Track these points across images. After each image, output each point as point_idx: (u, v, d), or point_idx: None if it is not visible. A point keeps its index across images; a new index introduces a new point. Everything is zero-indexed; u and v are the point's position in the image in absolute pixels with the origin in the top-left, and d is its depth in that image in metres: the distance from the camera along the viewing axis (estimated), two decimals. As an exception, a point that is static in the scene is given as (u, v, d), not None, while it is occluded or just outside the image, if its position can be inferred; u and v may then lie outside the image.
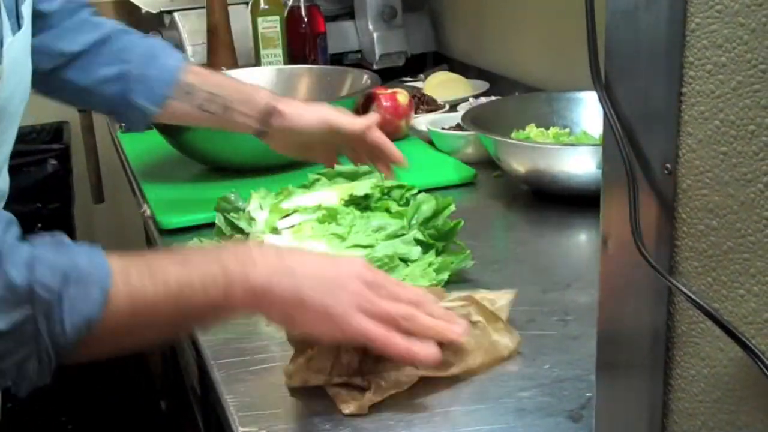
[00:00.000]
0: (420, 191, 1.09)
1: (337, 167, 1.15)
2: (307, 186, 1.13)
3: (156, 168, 1.48)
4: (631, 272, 0.56)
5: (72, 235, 2.57)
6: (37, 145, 2.53)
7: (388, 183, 1.10)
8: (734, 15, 0.45)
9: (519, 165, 1.24)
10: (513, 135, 1.32)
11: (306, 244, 1.02)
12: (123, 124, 1.23)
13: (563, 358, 0.84)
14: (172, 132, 1.40)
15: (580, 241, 1.17)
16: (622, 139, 0.54)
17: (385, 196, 1.09)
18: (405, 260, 1.02)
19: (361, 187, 1.09)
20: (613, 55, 0.54)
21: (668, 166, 0.51)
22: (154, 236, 1.23)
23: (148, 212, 1.28)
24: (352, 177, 1.14)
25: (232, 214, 1.11)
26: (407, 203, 1.07)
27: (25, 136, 2.62)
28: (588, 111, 1.37)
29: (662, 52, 0.50)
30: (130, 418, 2.43)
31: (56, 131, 2.61)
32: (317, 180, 1.14)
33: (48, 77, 1.10)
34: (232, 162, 1.38)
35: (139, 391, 2.58)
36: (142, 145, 1.57)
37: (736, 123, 0.47)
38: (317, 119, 1.15)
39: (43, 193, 2.45)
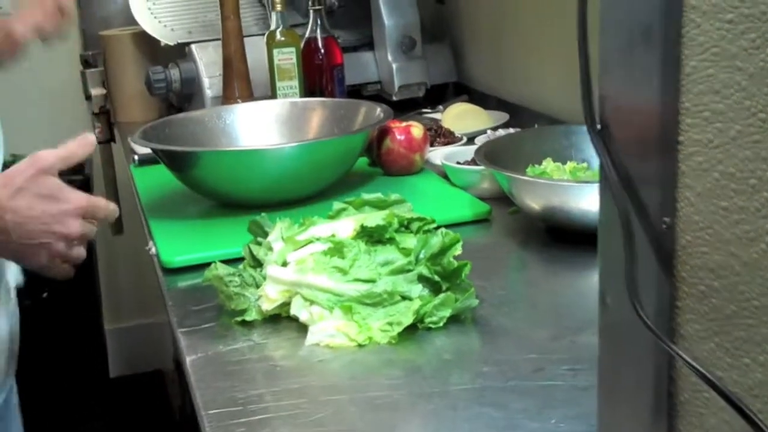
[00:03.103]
0: (440, 226, 1.05)
1: (364, 195, 1.12)
2: (332, 216, 1.10)
3: (165, 203, 1.45)
4: (630, 332, 0.52)
5: (93, 267, 2.56)
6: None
7: (408, 215, 1.06)
8: (732, 59, 0.41)
9: (534, 202, 1.20)
10: (528, 170, 1.27)
11: (308, 277, 0.98)
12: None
13: (571, 412, 0.80)
14: (179, 167, 1.38)
15: (596, 282, 1.12)
16: (618, 189, 0.49)
17: (403, 228, 1.06)
18: (406, 298, 0.98)
19: (374, 218, 1.05)
20: (606, 97, 0.50)
21: (666, 220, 0.47)
22: (158, 275, 1.20)
23: (153, 250, 1.25)
24: (381, 206, 1.10)
25: (258, 239, 1.08)
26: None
27: (48, 167, 2.62)
28: (607, 145, 1.32)
29: (658, 96, 0.46)
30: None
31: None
32: (343, 210, 1.11)
33: None
34: (242, 198, 1.35)
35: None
36: (154, 179, 1.54)
37: (736, 176, 0.43)
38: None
39: (65, 224, 2.45)
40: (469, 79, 2.10)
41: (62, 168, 1.04)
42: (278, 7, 1.77)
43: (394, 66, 1.97)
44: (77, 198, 1.06)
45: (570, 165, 1.30)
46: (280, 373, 0.91)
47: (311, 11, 1.86)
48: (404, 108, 1.93)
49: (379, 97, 2.01)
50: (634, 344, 0.53)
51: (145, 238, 1.30)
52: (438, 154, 1.51)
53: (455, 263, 0.99)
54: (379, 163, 1.50)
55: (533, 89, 1.83)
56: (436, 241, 1.01)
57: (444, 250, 1.00)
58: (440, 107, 1.90)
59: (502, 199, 1.34)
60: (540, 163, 1.30)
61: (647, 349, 0.51)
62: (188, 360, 0.94)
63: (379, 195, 1.11)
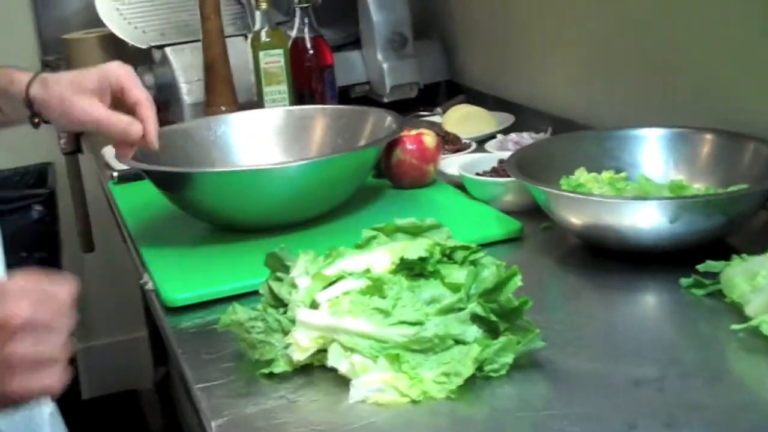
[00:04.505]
0: (486, 254, 0.93)
1: (397, 221, 0.98)
2: (361, 245, 0.97)
3: (155, 227, 1.31)
4: None
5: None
6: (21, 190, 2.37)
7: (450, 243, 0.94)
8: None
9: (576, 218, 1.08)
10: (563, 182, 1.15)
11: (344, 320, 0.85)
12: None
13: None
14: (172, 188, 1.24)
15: (659, 309, 1.00)
16: None
17: (445, 259, 0.93)
18: (460, 342, 0.86)
19: (415, 249, 0.92)
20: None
21: None
22: (159, 315, 1.06)
23: (151, 285, 1.11)
24: (414, 232, 0.97)
25: (278, 274, 0.94)
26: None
27: (6, 179, 2.45)
28: (646, 151, 1.21)
29: None
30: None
31: (40, 174, 2.44)
32: (373, 237, 0.97)
33: None
34: (244, 222, 1.22)
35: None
36: (137, 198, 1.40)
37: None
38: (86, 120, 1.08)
39: (29, 241, 2.28)
40: (462, 77, 1.97)
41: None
42: (263, 6, 1.63)
43: (384, 65, 1.84)
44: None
45: (606, 175, 1.18)
46: (324, 441, 0.77)
47: (297, 9, 1.72)
48: (397, 111, 1.79)
49: (369, 99, 1.88)
50: None
51: (122, 255, 1.15)
52: (451, 164, 1.38)
53: (515, 300, 0.86)
54: (388, 175, 1.37)
55: (537, 86, 1.71)
56: (490, 274, 0.88)
57: (500, 284, 0.87)
58: (438, 109, 1.77)
59: (529, 212, 1.22)
60: (572, 173, 1.18)
61: None
62: (214, 426, 0.81)
63: (413, 220, 0.98)
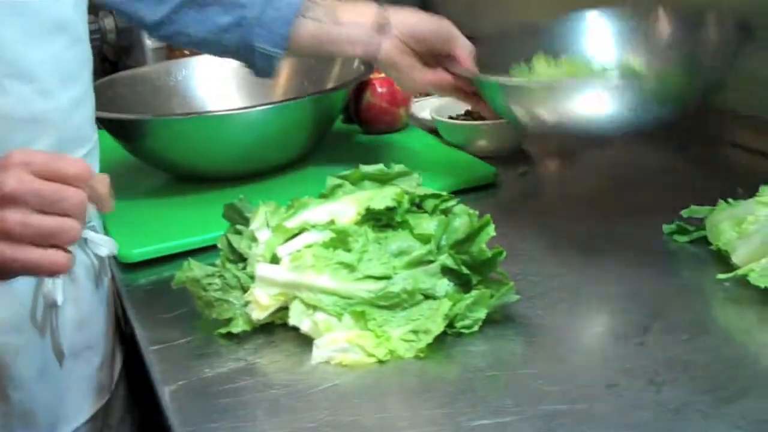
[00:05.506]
0: (458, 202, 0.87)
1: (363, 167, 0.92)
2: (326, 195, 0.91)
3: (111, 177, 1.24)
4: None
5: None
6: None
7: (420, 191, 0.88)
8: None
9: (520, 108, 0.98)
10: (512, 71, 1.06)
11: (307, 276, 0.80)
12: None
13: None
14: (128, 137, 1.17)
15: (641, 258, 0.94)
16: None
17: (414, 208, 0.87)
18: (429, 296, 0.81)
19: (382, 198, 0.86)
20: None
21: None
22: (113, 272, 1.00)
23: (92, 237, 1.04)
24: (382, 180, 0.91)
25: (237, 227, 0.88)
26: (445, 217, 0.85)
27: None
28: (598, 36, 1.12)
29: None
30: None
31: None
32: (338, 186, 0.91)
33: (161, 27, 1.06)
34: (205, 171, 1.16)
35: None
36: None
37: None
38: (435, 27, 1.05)
39: None
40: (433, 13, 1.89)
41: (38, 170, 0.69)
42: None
43: None
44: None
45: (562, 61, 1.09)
46: (285, 406, 0.72)
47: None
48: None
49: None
50: None
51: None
52: (423, 107, 1.32)
53: (488, 252, 0.81)
54: (358, 120, 1.30)
55: (512, 21, 1.64)
56: (462, 223, 0.83)
57: (472, 235, 0.82)
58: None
59: (504, 158, 1.17)
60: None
61: None
62: (167, 392, 0.75)
63: (380, 167, 0.92)
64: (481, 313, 0.79)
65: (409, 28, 1.04)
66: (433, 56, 1.06)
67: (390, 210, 0.85)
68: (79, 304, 0.92)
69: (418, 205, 0.88)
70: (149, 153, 1.17)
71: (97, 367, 0.95)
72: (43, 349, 0.88)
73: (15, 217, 0.67)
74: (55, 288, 0.83)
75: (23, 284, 0.83)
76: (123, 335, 1.02)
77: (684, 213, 0.93)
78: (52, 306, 0.86)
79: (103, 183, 0.72)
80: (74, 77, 0.88)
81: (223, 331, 0.82)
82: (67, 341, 0.89)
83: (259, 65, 1.06)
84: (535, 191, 1.10)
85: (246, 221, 0.90)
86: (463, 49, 1.05)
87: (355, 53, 1.07)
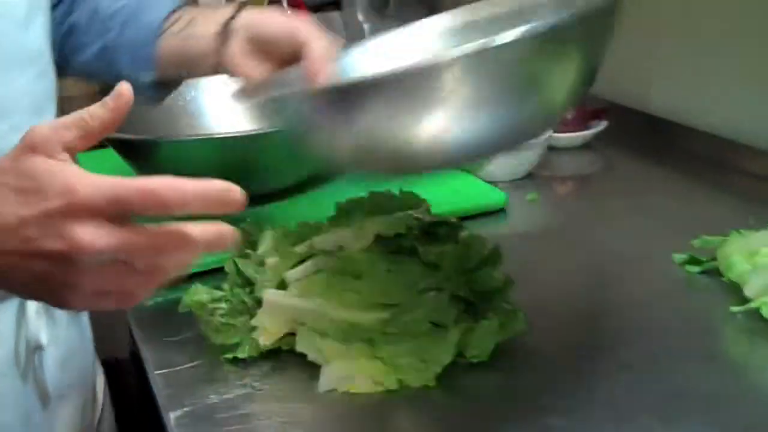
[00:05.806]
0: (468, 229, 0.86)
1: (373, 193, 0.90)
2: (334, 220, 0.90)
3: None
4: None
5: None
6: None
7: (430, 218, 0.87)
8: None
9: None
10: None
11: (314, 302, 0.79)
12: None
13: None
14: (136, 156, 1.16)
15: (651, 287, 0.94)
16: None
17: (424, 235, 0.87)
18: (439, 325, 0.80)
19: (392, 225, 0.85)
20: None
21: None
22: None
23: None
24: (391, 205, 0.90)
25: (245, 251, 0.88)
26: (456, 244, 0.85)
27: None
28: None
29: None
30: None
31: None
32: (347, 211, 0.90)
33: (61, 56, 0.94)
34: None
35: None
36: (101, 168, 1.29)
37: None
38: (285, 29, 0.88)
39: None
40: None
41: (73, 145, 0.60)
42: (237, -37, 1.55)
43: (365, 27, 1.77)
44: (67, 187, 0.56)
45: None
46: (291, 436, 0.71)
47: (273, -33, 1.63)
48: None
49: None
50: None
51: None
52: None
53: (498, 281, 0.80)
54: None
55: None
56: (471, 252, 0.82)
57: (482, 263, 0.81)
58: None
59: (514, 183, 1.17)
60: None
61: None
62: (172, 418, 0.75)
63: (389, 192, 0.91)
64: (491, 343, 0.78)
65: (255, 30, 0.90)
66: (287, 60, 0.90)
67: (399, 236, 0.85)
68: (60, 342, 0.87)
69: (427, 231, 0.88)
70: (157, 173, 1.16)
71: (81, 406, 0.92)
72: (25, 395, 0.82)
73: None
74: (38, 329, 0.80)
75: (4, 326, 0.79)
76: (107, 363, 0.98)
77: (695, 243, 0.93)
78: (36, 349, 0.81)
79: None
80: (42, 110, 0.82)
81: (229, 356, 0.81)
82: (50, 383, 0.84)
83: (137, 92, 0.89)
84: (544, 217, 1.09)
85: (253, 245, 0.89)
86: (315, 54, 0.85)
87: (210, 66, 0.94)
